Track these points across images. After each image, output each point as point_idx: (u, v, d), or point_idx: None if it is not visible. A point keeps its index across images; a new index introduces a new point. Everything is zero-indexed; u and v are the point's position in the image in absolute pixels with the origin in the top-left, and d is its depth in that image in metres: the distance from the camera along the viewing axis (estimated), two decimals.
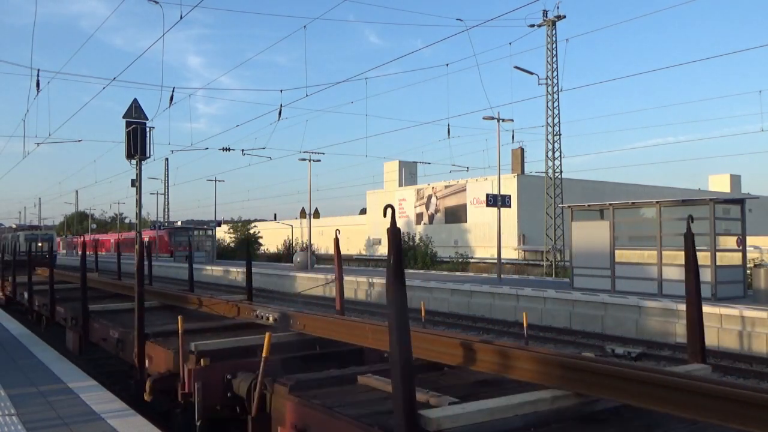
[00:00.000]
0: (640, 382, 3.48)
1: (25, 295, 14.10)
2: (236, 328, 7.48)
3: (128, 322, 8.13)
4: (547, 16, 32.63)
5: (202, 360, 5.66)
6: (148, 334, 7.01)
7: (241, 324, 7.63)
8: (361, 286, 26.58)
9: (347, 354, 6.08)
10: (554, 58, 32.78)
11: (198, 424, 5.51)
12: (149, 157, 27.01)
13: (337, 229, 8.45)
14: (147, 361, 6.90)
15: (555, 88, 32.89)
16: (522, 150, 52.57)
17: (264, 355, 4.91)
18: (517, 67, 30.40)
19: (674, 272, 17.13)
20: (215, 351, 5.92)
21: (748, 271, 18.04)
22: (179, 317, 6.08)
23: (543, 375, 4.09)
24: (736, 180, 79.23)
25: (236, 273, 36.36)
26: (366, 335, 5.50)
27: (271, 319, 7.00)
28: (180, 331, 5.86)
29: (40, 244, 31.84)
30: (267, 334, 5.08)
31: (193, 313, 8.82)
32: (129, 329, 7.56)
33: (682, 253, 17.33)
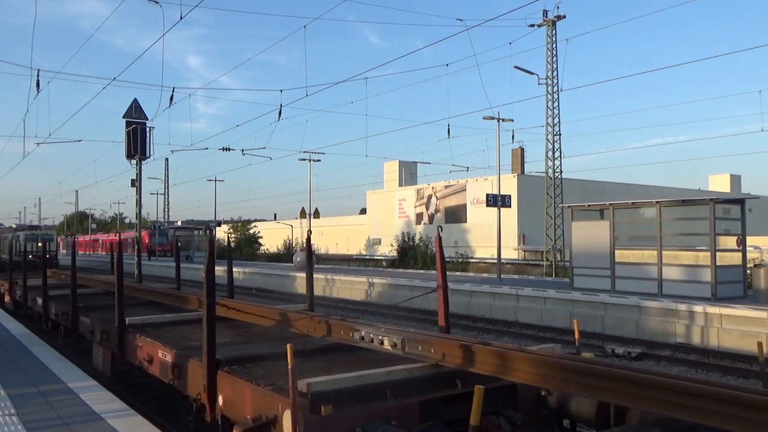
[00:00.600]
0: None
1: (39, 300, 12.61)
2: (325, 353, 6.04)
3: (179, 339, 7.07)
4: (547, 16, 32.63)
5: (323, 407, 4.04)
6: (220, 360, 5.51)
7: (330, 347, 6.14)
8: (357, 286, 26.58)
9: (497, 392, 4.65)
10: (554, 58, 32.78)
11: None
12: (149, 157, 27.23)
13: (439, 226, 6.87)
14: (220, 399, 5.44)
15: (555, 88, 32.90)
16: (522, 150, 52.60)
17: (474, 424, 3.41)
18: (517, 67, 30.43)
19: (674, 272, 17.14)
20: (337, 393, 4.38)
21: (748, 271, 18.04)
22: (288, 346, 4.47)
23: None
24: (736, 180, 79.23)
25: (236, 273, 36.37)
26: (567, 379, 3.88)
27: (387, 343, 5.31)
28: (290, 366, 4.27)
29: (40, 244, 31.83)
30: (477, 390, 3.44)
31: (250, 328, 7.53)
32: (187, 351, 6.25)
33: (683, 253, 17.35)
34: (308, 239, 8.97)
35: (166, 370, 6.48)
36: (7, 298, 16.74)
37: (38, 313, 12.90)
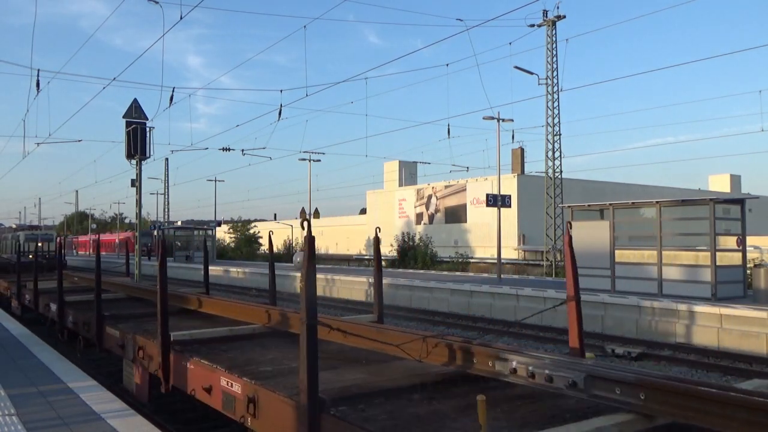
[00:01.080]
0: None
1: (52, 307, 11.26)
2: (447, 386, 4.60)
3: (244, 361, 5.70)
4: (547, 16, 32.65)
5: None
6: (324, 400, 4.10)
7: (450, 377, 4.72)
8: (357, 286, 26.57)
9: None
10: (554, 58, 32.79)
11: None
12: (149, 157, 27.18)
13: (568, 222, 5.51)
14: None
15: (555, 88, 32.91)
16: (522, 150, 52.66)
17: None
18: (517, 67, 30.44)
19: (674, 272, 17.14)
20: None
21: (748, 271, 18.03)
22: (479, 399, 3.08)
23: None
24: (736, 180, 79.30)
25: (236, 272, 36.41)
26: None
27: (559, 381, 3.83)
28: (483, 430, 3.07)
29: (39, 244, 31.81)
30: None
31: (325, 347, 5.72)
32: (263, 381, 4.85)
33: (683, 253, 17.26)
34: (376, 239, 7.14)
35: (234, 404, 5.05)
36: (14, 302, 15.41)
37: (51, 320, 11.54)
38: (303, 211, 40.00)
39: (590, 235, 19.22)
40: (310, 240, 4.21)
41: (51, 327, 11.69)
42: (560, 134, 33.46)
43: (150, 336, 6.87)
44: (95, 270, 8.97)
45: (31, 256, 23.27)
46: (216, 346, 6.49)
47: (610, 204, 19.02)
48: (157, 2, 18.13)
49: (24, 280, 14.78)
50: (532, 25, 32.36)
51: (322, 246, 65.12)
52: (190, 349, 6.27)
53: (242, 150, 34.45)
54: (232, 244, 61.15)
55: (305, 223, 4.22)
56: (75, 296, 11.42)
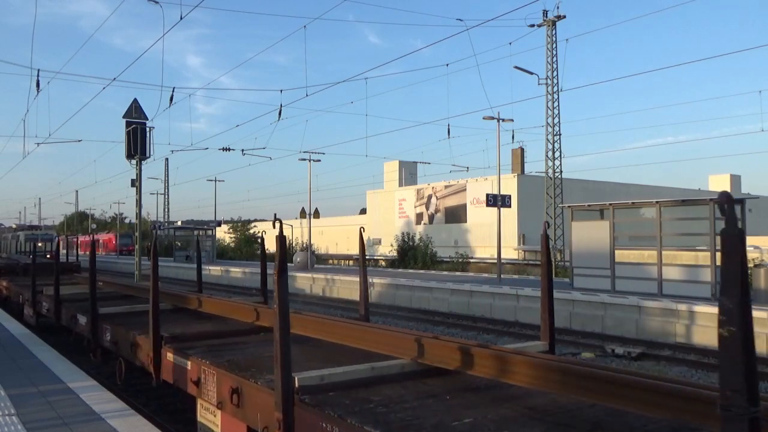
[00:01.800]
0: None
1: (81, 320, 9.35)
2: None
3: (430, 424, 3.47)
4: (547, 16, 32.66)
5: None
6: None
7: None
8: (357, 286, 26.57)
9: None
10: (554, 58, 32.80)
11: None
12: (149, 157, 27.17)
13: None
14: None
15: (555, 88, 32.92)
16: (522, 150, 52.67)
17: None
18: (517, 67, 30.42)
19: (674, 272, 17.14)
20: None
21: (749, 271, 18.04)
22: None
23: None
24: (736, 180, 79.29)
25: (236, 273, 36.42)
26: None
27: None
28: None
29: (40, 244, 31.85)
30: None
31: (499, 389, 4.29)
32: None
33: (682, 253, 17.23)
34: (545, 236, 5.37)
35: None
36: (27, 310, 13.69)
37: (78, 334, 9.74)
38: (303, 211, 40.00)
39: (590, 235, 19.23)
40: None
41: (78, 342, 9.99)
42: (560, 134, 33.50)
43: (249, 375, 4.81)
44: (151, 277, 6.65)
45: (48, 256, 22.31)
46: (363, 396, 4.17)
47: (610, 204, 19.02)
48: (157, 2, 18.15)
49: (40, 285, 12.96)
50: (532, 25, 32.39)
51: (322, 246, 65.05)
52: (326, 402, 4.03)
53: (242, 150, 34.45)
54: (232, 244, 61.15)
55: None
56: (106, 306, 9.55)
